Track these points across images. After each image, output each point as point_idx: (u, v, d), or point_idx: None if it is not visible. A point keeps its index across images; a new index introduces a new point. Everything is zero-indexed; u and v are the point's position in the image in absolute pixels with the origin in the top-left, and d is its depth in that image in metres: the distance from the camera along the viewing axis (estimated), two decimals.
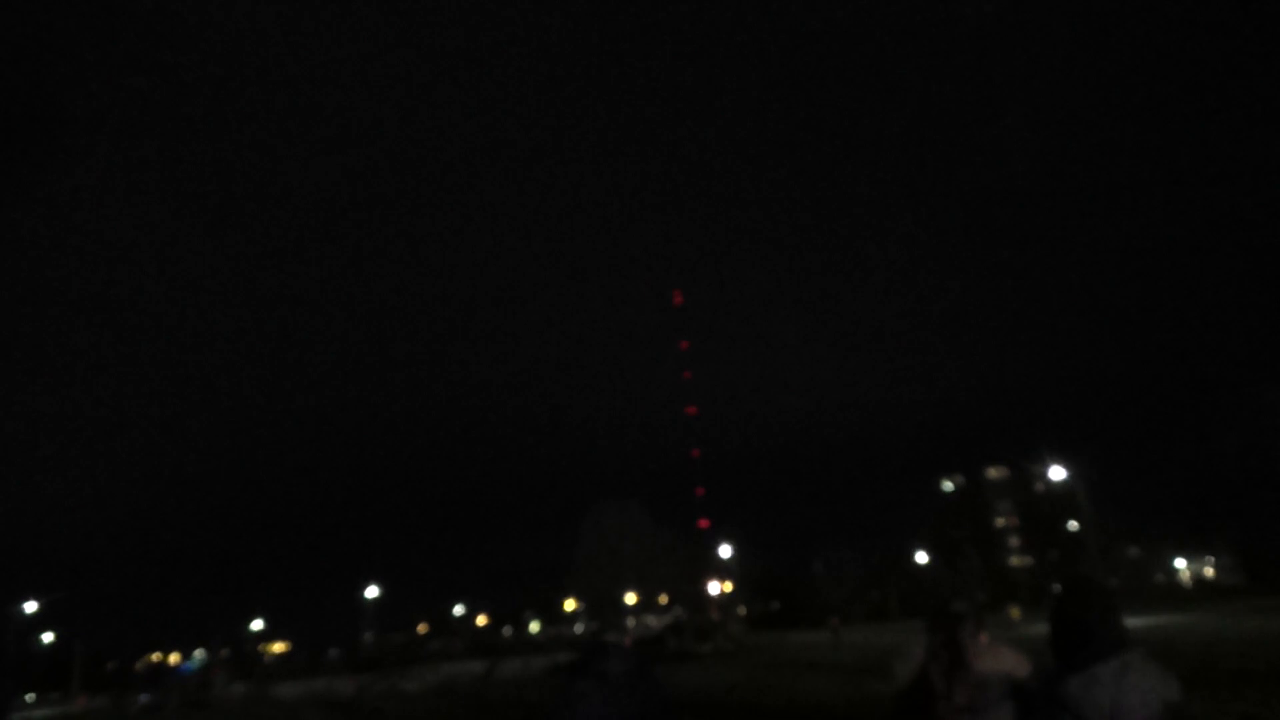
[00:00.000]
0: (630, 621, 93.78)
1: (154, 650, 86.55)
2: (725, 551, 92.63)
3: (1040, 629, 3.67)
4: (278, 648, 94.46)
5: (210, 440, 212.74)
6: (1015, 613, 48.01)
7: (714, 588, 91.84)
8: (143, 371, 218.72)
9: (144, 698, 48.57)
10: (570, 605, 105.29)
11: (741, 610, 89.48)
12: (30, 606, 69.98)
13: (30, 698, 66.57)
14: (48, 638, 71.28)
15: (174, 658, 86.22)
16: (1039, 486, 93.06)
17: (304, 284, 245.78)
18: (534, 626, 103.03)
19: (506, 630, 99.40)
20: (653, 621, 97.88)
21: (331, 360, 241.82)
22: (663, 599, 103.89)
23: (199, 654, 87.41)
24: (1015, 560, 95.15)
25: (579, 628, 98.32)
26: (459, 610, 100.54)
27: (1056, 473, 72.09)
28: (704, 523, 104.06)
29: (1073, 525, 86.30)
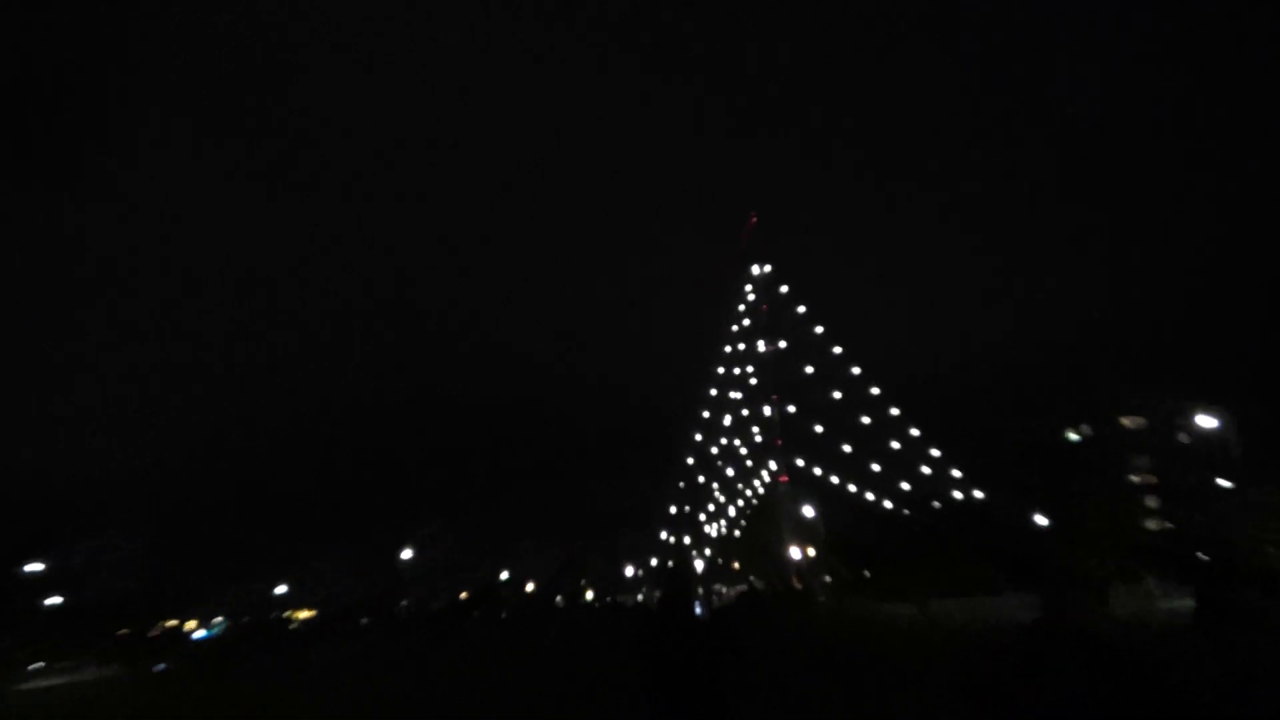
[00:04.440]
0: (699, 590, 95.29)
1: (169, 616, 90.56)
2: (808, 512, 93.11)
3: (1181, 604, 3.62)
4: (303, 614, 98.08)
5: (233, 388, 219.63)
6: (1151, 585, 47.49)
7: (795, 553, 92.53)
8: (162, 321, 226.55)
9: (160, 667, 51.08)
10: (630, 571, 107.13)
11: (826, 578, 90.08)
12: (36, 567, 73.67)
13: (37, 666, 70.27)
14: (56, 600, 75.10)
15: (191, 624, 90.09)
16: (1183, 438, 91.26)
17: (343, 219, 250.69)
18: (588, 595, 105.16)
19: (559, 600, 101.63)
20: (724, 590, 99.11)
21: (366, 300, 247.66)
22: (735, 565, 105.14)
23: (218, 621, 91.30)
24: (1152, 524, 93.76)
25: (640, 597, 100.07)
26: (504, 576, 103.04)
27: (1205, 421, 70.57)
28: (784, 479, 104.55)
29: (1224, 484, 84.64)
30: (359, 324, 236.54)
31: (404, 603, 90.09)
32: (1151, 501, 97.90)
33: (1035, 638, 3.53)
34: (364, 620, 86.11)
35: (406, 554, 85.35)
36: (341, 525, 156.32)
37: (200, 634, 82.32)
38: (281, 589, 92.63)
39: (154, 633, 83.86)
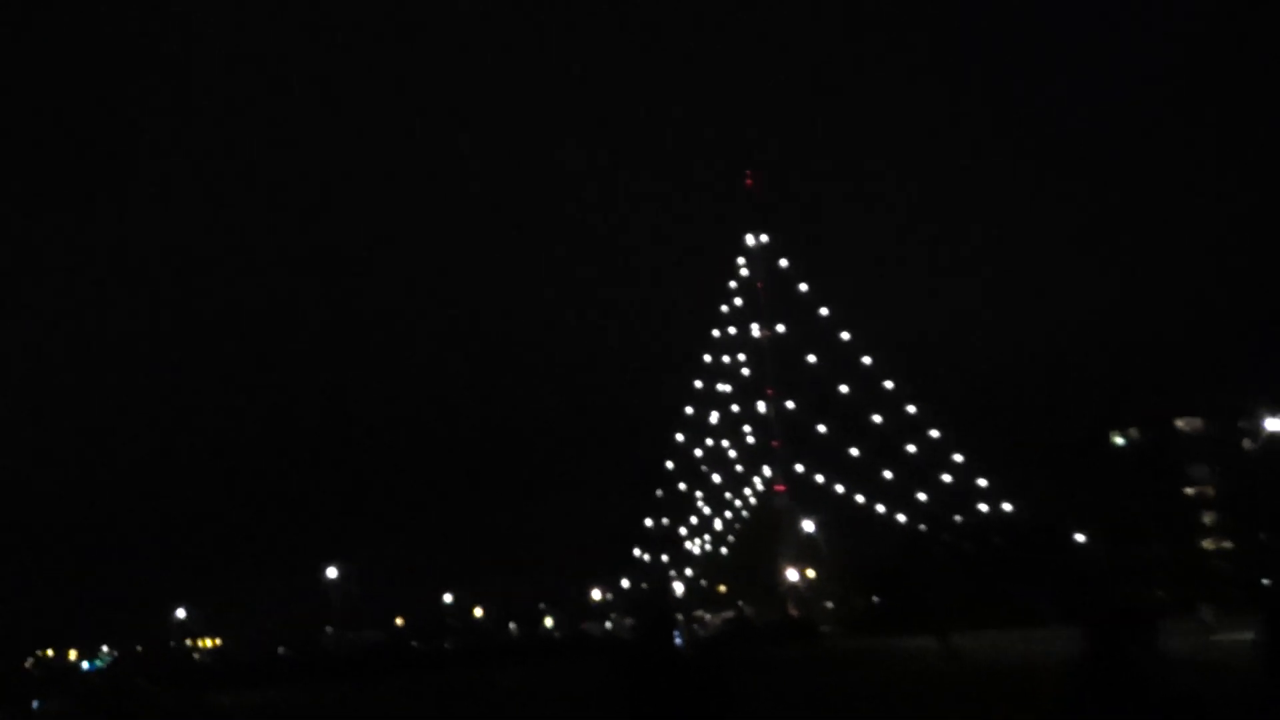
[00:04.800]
0: (678, 618, 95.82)
1: (47, 645, 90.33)
2: (809, 527, 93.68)
3: (1240, 638, 3.92)
4: (207, 643, 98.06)
5: (123, 379, 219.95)
6: (1210, 614, 48.43)
7: (792, 575, 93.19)
8: (50, 314, 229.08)
9: (38, 704, 51.20)
10: (598, 595, 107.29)
11: (829, 605, 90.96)
12: None
13: None
14: None
15: (73, 654, 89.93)
16: (1247, 444, 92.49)
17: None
18: (548, 621, 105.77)
19: (512, 627, 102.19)
20: (707, 618, 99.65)
21: (284, 263, 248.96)
22: (721, 588, 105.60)
23: (105, 650, 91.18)
24: (1209, 544, 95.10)
25: (609, 625, 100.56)
26: (448, 599, 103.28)
27: (1274, 425, 71.66)
28: (780, 488, 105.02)
29: None
30: (287, 327, 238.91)
31: (329, 629, 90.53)
32: (1209, 517, 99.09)
33: (1073, 679, 3.68)
34: (281, 650, 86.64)
35: (332, 573, 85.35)
36: (253, 541, 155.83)
37: (85, 666, 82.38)
38: (181, 613, 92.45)
39: (28, 664, 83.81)
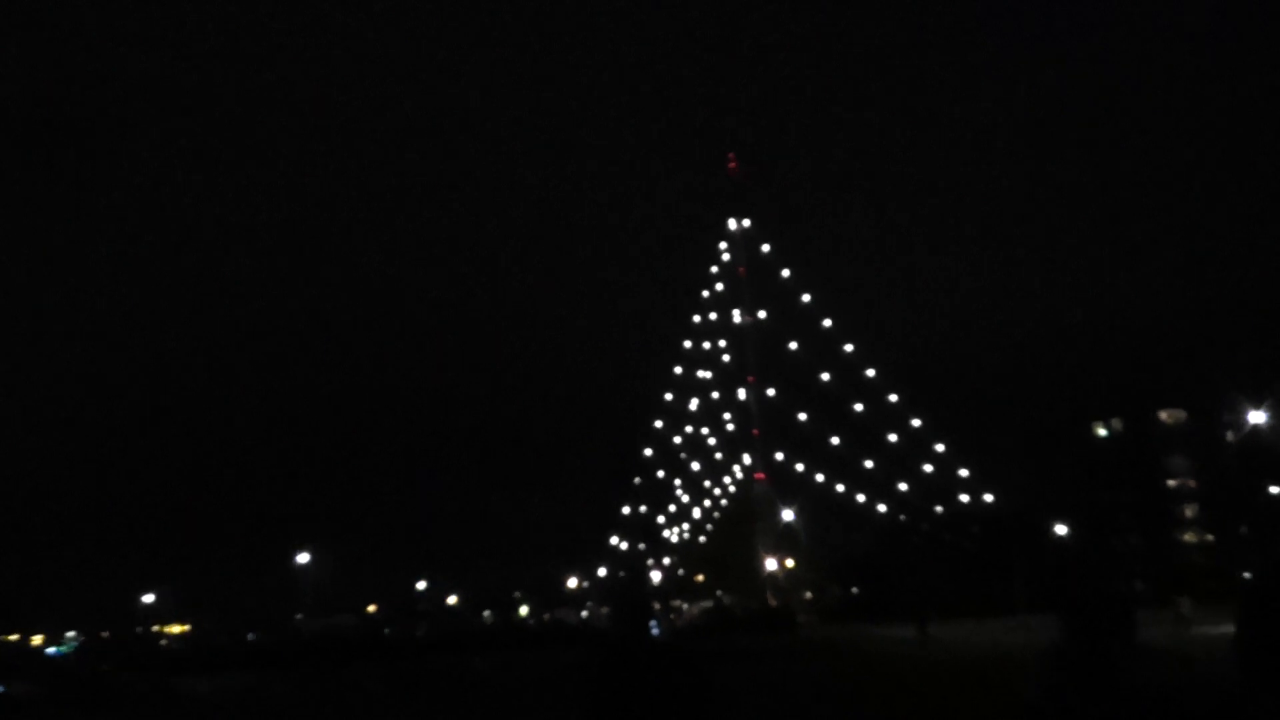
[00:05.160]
0: (655, 606, 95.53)
1: (11, 629, 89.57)
2: (788, 516, 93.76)
3: (1218, 631, 3.65)
4: (175, 629, 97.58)
5: (94, 364, 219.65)
6: (1188, 606, 48.43)
7: (771, 564, 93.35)
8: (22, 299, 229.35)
9: (2, 689, 50.63)
10: (574, 583, 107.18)
11: (808, 594, 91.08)
12: None
13: None
14: None
15: (38, 639, 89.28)
16: (1228, 437, 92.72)
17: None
18: (523, 609, 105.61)
19: (486, 614, 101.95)
20: (685, 607, 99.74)
21: (254, 247, 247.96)
22: (699, 577, 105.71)
23: (70, 636, 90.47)
24: (1190, 536, 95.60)
25: (585, 613, 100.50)
26: (421, 585, 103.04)
27: (1254, 418, 71.81)
28: (760, 476, 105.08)
29: (1274, 490, 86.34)
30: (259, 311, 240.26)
31: (300, 615, 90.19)
32: (1189, 509, 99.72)
33: (1050, 669, 3.51)
34: (251, 636, 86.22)
35: (303, 558, 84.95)
36: (223, 525, 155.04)
37: (51, 650, 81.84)
38: (149, 598, 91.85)
39: None
